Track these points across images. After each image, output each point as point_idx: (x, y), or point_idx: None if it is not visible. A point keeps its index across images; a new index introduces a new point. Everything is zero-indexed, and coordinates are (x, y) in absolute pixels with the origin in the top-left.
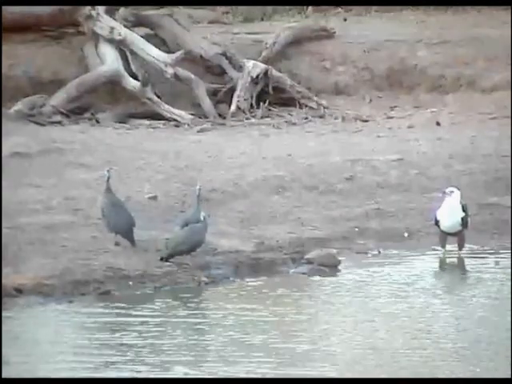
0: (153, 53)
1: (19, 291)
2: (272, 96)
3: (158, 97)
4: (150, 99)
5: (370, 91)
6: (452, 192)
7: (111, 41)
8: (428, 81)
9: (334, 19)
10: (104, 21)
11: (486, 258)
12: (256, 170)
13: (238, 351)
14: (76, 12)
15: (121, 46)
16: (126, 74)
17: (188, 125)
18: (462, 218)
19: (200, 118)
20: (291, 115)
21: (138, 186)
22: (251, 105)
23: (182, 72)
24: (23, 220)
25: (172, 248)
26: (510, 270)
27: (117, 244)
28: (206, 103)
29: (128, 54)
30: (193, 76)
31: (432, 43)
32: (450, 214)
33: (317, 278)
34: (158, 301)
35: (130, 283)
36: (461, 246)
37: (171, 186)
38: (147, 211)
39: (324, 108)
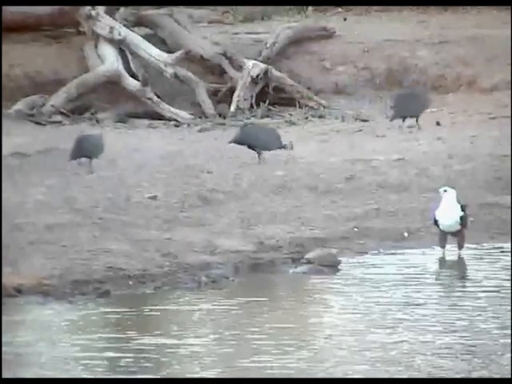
0: (153, 53)
1: (19, 291)
2: (272, 96)
3: (158, 97)
4: (150, 99)
5: (370, 91)
6: (446, 191)
7: (111, 41)
8: (428, 81)
9: (334, 19)
10: (104, 21)
11: (486, 257)
12: (256, 170)
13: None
14: (76, 12)
15: (121, 46)
16: (126, 74)
17: (188, 125)
18: (461, 217)
19: (200, 117)
20: (291, 115)
21: (137, 185)
22: (251, 105)
23: (182, 72)
24: (23, 220)
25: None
26: (509, 269)
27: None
28: (206, 103)
29: (128, 53)
30: (193, 76)
31: (432, 43)
32: (448, 213)
33: (317, 277)
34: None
35: (130, 283)
36: (460, 246)
37: (171, 186)
38: (147, 211)
39: (324, 108)
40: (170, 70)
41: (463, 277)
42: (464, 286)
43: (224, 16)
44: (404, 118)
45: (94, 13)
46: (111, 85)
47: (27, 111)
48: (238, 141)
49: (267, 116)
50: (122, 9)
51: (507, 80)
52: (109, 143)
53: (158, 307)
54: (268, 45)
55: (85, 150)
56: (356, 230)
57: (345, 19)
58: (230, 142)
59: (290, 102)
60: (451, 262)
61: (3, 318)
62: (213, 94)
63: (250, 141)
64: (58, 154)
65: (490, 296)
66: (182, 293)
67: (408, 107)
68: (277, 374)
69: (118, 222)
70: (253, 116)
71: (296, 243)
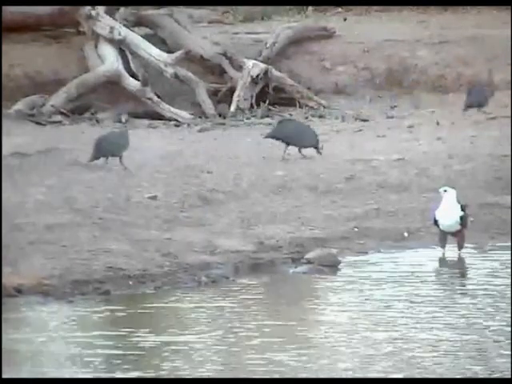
0: (153, 52)
1: (19, 291)
2: (272, 96)
3: (158, 97)
4: (149, 99)
5: (370, 91)
6: (445, 191)
7: (111, 41)
8: (428, 81)
9: (334, 19)
10: (104, 21)
11: (486, 257)
12: (256, 170)
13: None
14: (76, 12)
15: (121, 46)
16: (126, 74)
17: (188, 125)
18: (461, 217)
19: (200, 117)
20: (291, 115)
21: (137, 186)
22: (251, 105)
23: (182, 72)
24: (23, 220)
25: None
26: (509, 269)
27: None
28: (206, 103)
29: (128, 53)
30: (193, 76)
31: (432, 43)
32: (448, 213)
33: (317, 277)
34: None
35: (130, 283)
36: (460, 246)
37: (171, 186)
38: (147, 211)
39: (324, 108)
40: (170, 70)
41: (463, 277)
42: (464, 286)
43: (224, 16)
44: (477, 108)
45: (94, 13)
46: (111, 85)
47: (27, 111)
48: (274, 135)
49: (267, 116)
50: (122, 9)
51: (507, 80)
52: None
53: (158, 307)
54: (268, 45)
55: (104, 150)
56: (356, 230)
57: (345, 19)
58: (266, 137)
59: (290, 101)
60: (451, 261)
61: (3, 317)
62: (213, 93)
63: (286, 136)
64: (58, 153)
65: (490, 296)
66: (182, 293)
67: (479, 98)
68: (277, 373)
69: (118, 221)
70: (253, 116)
71: (296, 243)
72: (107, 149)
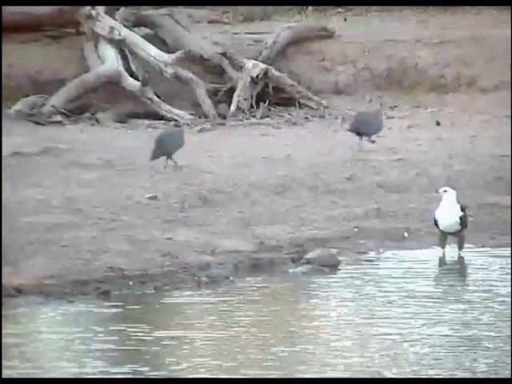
0: (153, 53)
1: (19, 291)
2: (272, 96)
3: (158, 97)
4: (149, 99)
5: (370, 91)
6: (445, 191)
7: (111, 41)
8: (428, 81)
9: (334, 19)
10: (104, 21)
11: (486, 257)
12: (256, 170)
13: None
14: (76, 12)
15: (121, 46)
16: (126, 74)
17: (188, 125)
18: (461, 218)
19: (200, 117)
20: (291, 115)
21: (138, 185)
22: (251, 105)
23: (182, 72)
24: (23, 220)
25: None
26: (509, 269)
27: None
28: (206, 103)
29: (128, 53)
30: (193, 76)
31: (432, 43)
32: (447, 213)
33: (317, 277)
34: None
35: (130, 283)
36: (460, 246)
37: (171, 186)
38: (147, 211)
39: (324, 108)
40: (169, 70)
41: (463, 277)
42: (464, 286)
43: (224, 16)
44: None
45: (94, 13)
46: (111, 85)
47: (27, 111)
48: (354, 129)
49: (267, 116)
50: (122, 9)
51: (507, 80)
52: (109, 143)
53: (157, 306)
54: (268, 45)
55: (165, 148)
56: (356, 229)
57: (345, 19)
58: (349, 130)
59: (289, 101)
60: (451, 262)
61: (3, 317)
62: (213, 94)
63: (364, 128)
64: (58, 153)
65: (490, 296)
66: (182, 293)
67: None
68: (276, 372)
69: (118, 221)
70: (253, 116)
71: (296, 243)
72: (167, 147)
